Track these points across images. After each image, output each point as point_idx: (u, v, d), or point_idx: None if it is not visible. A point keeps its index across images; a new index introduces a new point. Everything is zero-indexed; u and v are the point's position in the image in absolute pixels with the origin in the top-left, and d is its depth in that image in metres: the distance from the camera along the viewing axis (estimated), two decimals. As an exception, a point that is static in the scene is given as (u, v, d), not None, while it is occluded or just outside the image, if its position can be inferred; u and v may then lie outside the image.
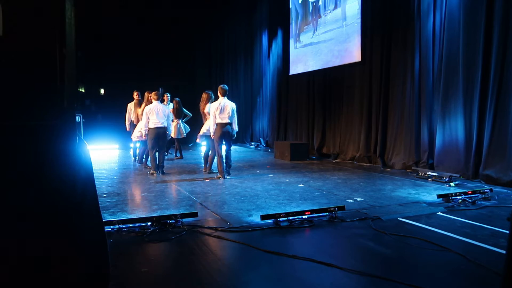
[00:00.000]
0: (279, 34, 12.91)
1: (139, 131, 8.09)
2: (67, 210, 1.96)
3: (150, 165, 7.70)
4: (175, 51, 15.06)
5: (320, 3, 10.77)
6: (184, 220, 4.06)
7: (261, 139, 14.11)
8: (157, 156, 7.40)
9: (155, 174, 7.36)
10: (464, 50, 6.69)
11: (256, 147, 13.51)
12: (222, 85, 7.06)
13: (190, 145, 13.55)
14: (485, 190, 5.25)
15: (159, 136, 7.31)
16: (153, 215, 4.12)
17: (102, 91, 14.95)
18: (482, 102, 6.45)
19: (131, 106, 9.16)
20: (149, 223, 3.93)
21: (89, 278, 2.05)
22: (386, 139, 8.55)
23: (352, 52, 9.52)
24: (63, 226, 1.96)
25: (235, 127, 7.14)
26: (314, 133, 11.17)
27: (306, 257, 3.11)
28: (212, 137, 7.05)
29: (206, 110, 7.45)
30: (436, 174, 6.67)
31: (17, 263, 1.87)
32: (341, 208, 4.44)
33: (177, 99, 9.77)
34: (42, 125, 1.91)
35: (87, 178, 2.03)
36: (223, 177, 6.96)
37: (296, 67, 11.97)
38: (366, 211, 4.60)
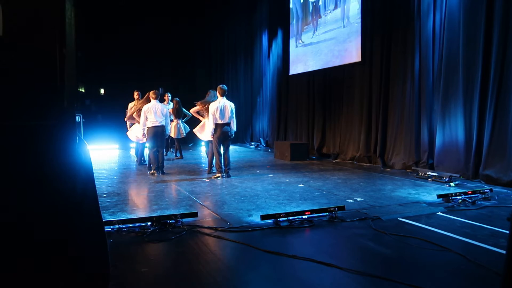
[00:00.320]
0: (279, 34, 12.91)
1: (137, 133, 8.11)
2: (67, 210, 1.96)
3: (146, 163, 7.69)
4: (175, 51, 15.06)
5: (320, 3, 10.77)
6: (184, 220, 4.06)
7: (261, 139, 14.11)
8: (157, 156, 7.40)
9: (155, 174, 7.36)
10: (464, 50, 6.69)
11: (256, 147, 13.51)
12: (221, 85, 7.06)
13: (190, 145, 13.55)
14: (485, 190, 5.25)
15: (157, 135, 7.31)
16: (153, 215, 4.12)
17: (102, 91, 14.95)
18: (482, 102, 6.45)
19: (131, 105, 9.16)
20: (149, 223, 3.93)
21: (89, 278, 2.05)
22: (386, 139, 8.55)
23: (352, 52, 9.52)
24: (63, 226, 1.96)
25: (234, 127, 7.15)
26: (314, 133, 11.17)
27: (306, 257, 3.11)
28: (210, 137, 7.05)
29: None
30: (436, 174, 6.67)
31: (17, 263, 1.87)
32: (341, 208, 4.44)
33: (177, 99, 9.77)
34: (42, 125, 1.91)
35: (87, 178, 2.03)
36: (222, 176, 6.96)
37: (296, 67, 11.97)
38: (366, 211, 4.60)
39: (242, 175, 7.40)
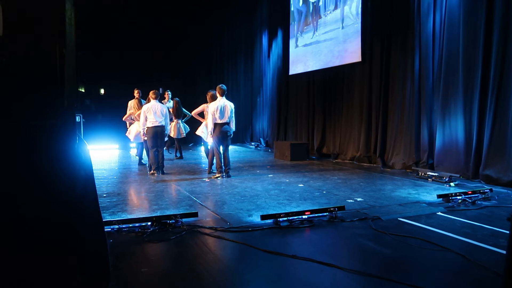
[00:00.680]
0: (279, 34, 12.91)
1: (137, 132, 8.13)
2: (67, 210, 1.96)
3: (145, 163, 7.66)
4: (175, 51, 15.06)
5: (320, 3, 10.77)
6: (184, 220, 4.06)
7: (261, 139, 14.11)
8: (157, 156, 7.40)
9: (155, 174, 7.36)
10: (464, 50, 6.69)
11: (256, 147, 13.51)
12: (220, 85, 7.06)
13: (190, 145, 13.55)
14: (485, 190, 5.25)
15: (157, 135, 7.31)
16: (153, 215, 4.12)
17: (102, 91, 14.95)
18: (482, 102, 6.46)
19: (131, 103, 9.16)
20: (149, 223, 3.93)
21: (89, 278, 2.05)
22: (386, 139, 8.55)
23: (352, 53, 9.52)
24: (63, 226, 1.96)
25: (233, 126, 7.15)
26: (314, 133, 11.17)
27: (306, 257, 3.11)
28: (210, 136, 7.05)
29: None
30: (436, 174, 6.67)
31: (17, 263, 1.87)
32: (341, 208, 4.44)
33: (177, 99, 9.77)
34: (42, 125, 1.90)
35: (87, 178, 2.03)
36: (222, 176, 6.97)
37: (296, 67, 11.97)
38: (366, 211, 4.60)
39: (242, 175, 7.40)
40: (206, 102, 7.56)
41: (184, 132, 9.74)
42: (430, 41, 7.48)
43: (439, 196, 5.10)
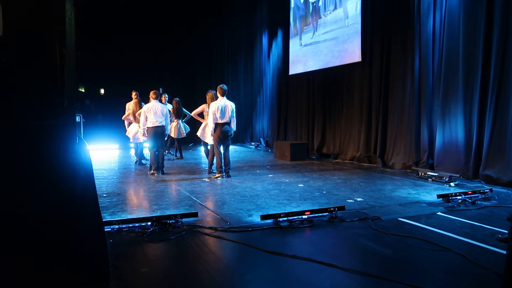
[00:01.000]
0: (279, 34, 12.91)
1: (137, 133, 8.15)
2: (67, 210, 1.96)
3: (145, 163, 7.64)
4: (175, 51, 15.06)
5: (320, 3, 10.77)
6: (184, 220, 4.06)
7: (261, 139, 14.11)
8: (157, 156, 7.41)
9: (155, 174, 7.36)
10: (464, 50, 6.69)
11: (256, 147, 13.51)
12: (221, 85, 7.06)
13: (190, 145, 13.55)
14: (485, 190, 5.25)
15: (157, 135, 7.32)
16: (153, 215, 4.12)
17: (102, 91, 14.95)
18: (482, 102, 6.45)
19: (129, 105, 9.17)
20: (149, 223, 3.93)
21: (89, 278, 2.05)
22: (386, 139, 8.55)
23: (352, 53, 9.51)
24: (63, 226, 1.96)
25: (234, 126, 7.15)
26: (314, 133, 11.17)
27: (306, 257, 3.11)
28: (211, 136, 7.05)
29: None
30: (436, 174, 6.67)
31: (17, 263, 1.87)
32: (341, 208, 4.44)
33: (177, 99, 9.77)
34: (42, 125, 1.90)
35: (87, 178, 2.03)
36: (222, 176, 6.97)
37: (296, 67, 11.97)
38: (366, 211, 4.60)
39: (242, 175, 7.40)
40: (206, 102, 7.56)
41: (184, 132, 9.74)
42: (430, 41, 7.48)
43: (439, 196, 5.10)
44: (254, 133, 14.86)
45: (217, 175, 6.99)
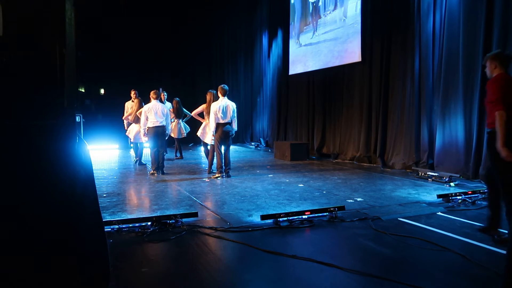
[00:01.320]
0: (279, 34, 12.91)
1: (137, 132, 8.15)
2: (67, 210, 1.96)
3: (144, 163, 7.64)
4: (175, 50, 15.06)
5: (320, 3, 10.77)
6: (184, 220, 4.07)
7: (261, 139, 14.11)
8: (157, 156, 7.41)
9: (155, 174, 7.36)
10: (464, 50, 6.69)
11: (256, 147, 13.51)
12: (222, 85, 7.07)
13: (190, 145, 13.55)
14: (485, 190, 5.24)
15: (158, 135, 7.32)
16: (153, 215, 4.12)
17: (102, 91, 14.95)
18: (482, 102, 6.45)
19: (128, 105, 9.17)
20: (149, 223, 3.93)
21: (89, 278, 2.05)
22: (386, 139, 8.55)
23: (352, 53, 9.51)
24: (63, 226, 1.96)
25: (235, 126, 7.15)
26: (314, 133, 11.17)
27: (306, 257, 3.11)
28: (212, 136, 7.05)
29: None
30: (436, 174, 6.67)
31: (17, 263, 1.87)
32: (341, 208, 4.44)
33: (177, 98, 9.77)
34: (42, 125, 1.90)
35: (87, 178, 2.03)
36: (222, 176, 6.97)
37: (296, 67, 11.98)
38: (366, 211, 4.60)
39: (242, 175, 7.40)
40: (206, 102, 7.56)
41: (185, 132, 9.75)
42: (430, 41, 7.48)
43: (439, 196, 5.10)
44: (254, 133, 14.86)
45: (217, 175, 6.99)
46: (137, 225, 3.91)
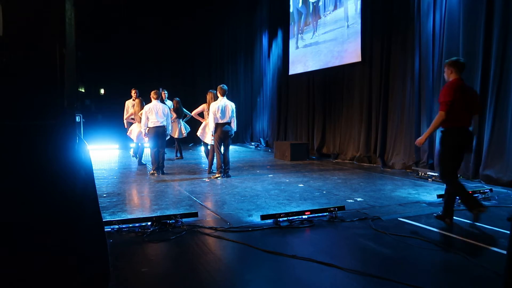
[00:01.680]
0: (279, 35, 12.91)
1: (139, 132, 8.15)
2: (67, 210, 1.96)
3: (144, 162, 7.66)
4: (175, 50, 15.06)
5: (320, 4, 10.77)
6: (184, 220, 4.06)
7: (261, 139, 14.11)
8: (157, 156, 7.41)
9: (155, 174, 7.36)
10: (464, 50, 6.69)
11: (256, 147, 13.51)
12: (221, 85, 7.07)
13: (190, 145, 13.55)
14: (485, 190, 5.25)
15: (158, 135, 7.32)
16: (153, 215, 4.12)
17: (102, 91, 14.95)
18: (482, 102, 6.44)
19: (128, 104, 9.16)
20: (149, 223, 3.93)
21: (89, 278, 2.05)
22: (386, 139, 8.54)
23: (352, 53, 9.51)
24: (63, 226, 1.96)
25: (234, 126, 7.15)
26: (314, 133, 11.17)
27: (306, 257, 3.11)
28: (211, 136, 7.06)
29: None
30: (436, 174, 6.66)
31: (17, 263, 1.87)
32: (341, 208, 4.44)
33: (177, 98, 9.77)
34: (42, 125, 1.90)
35: (87, 178, 2.03)
36: (222, 176, 6.97)
37: (296, 67, 11.98)
38: (366, 211, 4.60)
39: (242, 175, 7.40)
40: (205, 102, 7.56)
41: (185, 132, 9.74)
42: (430, 41, 7.48)
43: (439, 196, 5.10)
44: (254, 133, 14.86)
45: (217, 175, 6.99)
46: (137, 225, 3.91)
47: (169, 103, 9.62)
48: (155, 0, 14.04)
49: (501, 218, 4.28)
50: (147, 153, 8.44)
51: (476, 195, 5.10)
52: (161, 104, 7.42)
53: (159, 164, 7.43)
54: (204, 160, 8.87)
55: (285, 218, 4.10)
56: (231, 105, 6.99)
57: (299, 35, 11.80)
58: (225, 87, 7.04)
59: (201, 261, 3.10)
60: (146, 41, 14.06)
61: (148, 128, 7.33)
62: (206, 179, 6.91)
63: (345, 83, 9.95)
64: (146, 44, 14.09)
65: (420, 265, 3.04)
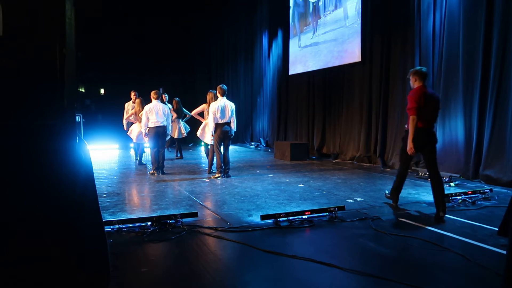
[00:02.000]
0: (279, 35, 12.91)
1: (139, 132, 8.15)
2: (67, 210, 1.96)
3: (144, 163, 7.64)
4: (175, 50, 15.06)
5: (320, 4, 10.77)
6: (184, 220, 4.06)
7: (261, 139, 14.11)
8: (157, 156, 7.41)
9: (155, 174, 7.36)
10: (464, 50, 6.69)
11: (256, 147, 13.51)
12: (221, 85, 7.07)
13: (190, 145, 13.56)
14: (485, 190, 5.25)
15: (158, 135, 7.32)
16: (153, 215, 4.12)
17: (102, 91, 14.95)
18: (482, 102, 6.46)
19: (128, 106, 9.16)
20: (149, 223, 3.93)
21: (89, 278, 2.05)
22: (386, 139, 8.55)
23: (352, 53, 9.52)
24: (63, 226, 1.96)
25: (234, 126, 7.15)
26: (314, 133, 11.17)
27: (306, 257, 3.11)
28: (211, 136, 7.06)
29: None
30: (436, 174, 6.66)
31: (17, 263, 1.87)
32: (341, 208, 4.44)
33: (177, 98, 9.78)
34: (42, 125, 1.90)
35: (87, 178, 2.03)
36: (222, 176, 6.97)
37: (296, 68, 11.98)
38: (366, 211, 4.60)
39: (242, 175, 7.40)
40: (206, 102, 7.57)
41: (185, 132, 9.75)
42: (430, 41, 7.48)
43: (439, 196, 5.09)
44: (254, 133, 14.86)
45: (217, 175, 6.99)
46: (137, 225, 3.91)
47: (169, 106, 9.62)
48: (155, 0, 14.04)
49: (501, 218, 4.25)
50: (147, 153, 8.45)
51: (476, 195, 5.12)
52: (161, 104, 7.42)
53: (159, 164, 7.43)
54: (204, 160, 8.87)
55: (285, 218, 4.10)
56: (230, 105, 6.99)
57: (299, 35, 11.79)
58: (225, 87, 7.05)
59: (201, 261, 3.10)
60: (146, 41, 14.07)
61: (148, 128, 7.34)
62: (206, 179, 6.91)
63: (345, 83, 9.95)
64: (146, 44, 14.09)
65: (420, 265, 3.04)
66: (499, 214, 4.46)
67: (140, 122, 8.44)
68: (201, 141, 7.86)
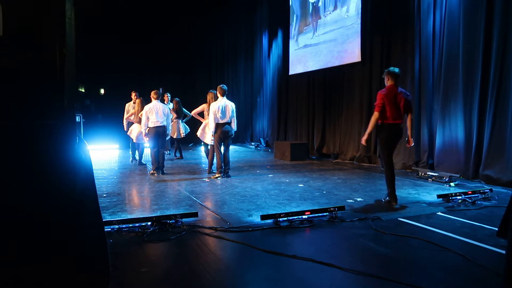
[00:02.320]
0: (279, 35, 12.92)
1: (139, 132, 8.15)
2: (67, 210, 1.96)
3: (144, 163, 7.67)
4: (175, 51, 15.07)
5: (320, 4, 10.77)
6: (184, 220, 4.06)
7: (261, 139, 14.11)
8: (157, 156, 7.41)
9: (155, 174, 7.36)
10: (464, 50, 6.69)
11: (256, 147, 13.51)
12: (221, 85, 7.07)
13: (190, 145, 13.56)
14: (485, 190, 5.25)
15: (158, 135, 7.32)
16: (153, 215, 4.12)
17: (102, 91, 14.95)
18: (482, 102, 6.46)
19: (129, 106, 9.16)
20: (149, 223, 3.93)
21: (89, 278, 2.05)
22: (386, 139, 8.53)
23: (352, 53, 9.52)
24: (63, 226, 1.96)
25: (234, 126, 7.15)
26: (314, 133, 11.18)
27: (306, 257, 3.11)
28: (212, 136, 7.06)
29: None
30: (436, 174, 6.67)
31: (17, 263, 1.87)
32: (341, 208, 4.44)
33: (177, 99, 9.78)
34: (42, 125, 1.90)
35: (87, 178, 2.03)
36: (222, 176, 6.97)
37: (296, 68, 11.98)
38: (366, 211, 4.60)
39: (242, 175, 7.40)
40: (206, 102, 7.57)
41: (184, 132, 9.74)
42: (430, 41, 7.48)
43: (439, 196, 5.10)
44: (254, 133, 14.87)
45: (217, 175, 6.99)
46: (137, 225, 3.91)
47: (171, 106, 9.63)
48: (155, 1, 14.04)
49: (501, 218, 4.27)
50: (147, 153, 8.44)
51: (476, 195, 5.11)
52: (161, 104, 7.42)
53: (159, 164, 7.43)
54: (204, 160, 8.87)
55: (285, 218, 4.10)
56: (231, 105, 6.99)
57: (299, 35, 11.80)
58: (225, 87, 7.05)
59: (201, 261, 3.10)
60: (146, 41, 14.06)
61: (148, 128, 7.34)
62: (206, 179, 6.91)
63: (345, 83, 9.95)
64: (146, 44, 14.09)
65: (420, 265, 3.04)
66: (499, 214, 4.45)
67: (140, 122, 8.45)
68: (201, 140, 7.86)
